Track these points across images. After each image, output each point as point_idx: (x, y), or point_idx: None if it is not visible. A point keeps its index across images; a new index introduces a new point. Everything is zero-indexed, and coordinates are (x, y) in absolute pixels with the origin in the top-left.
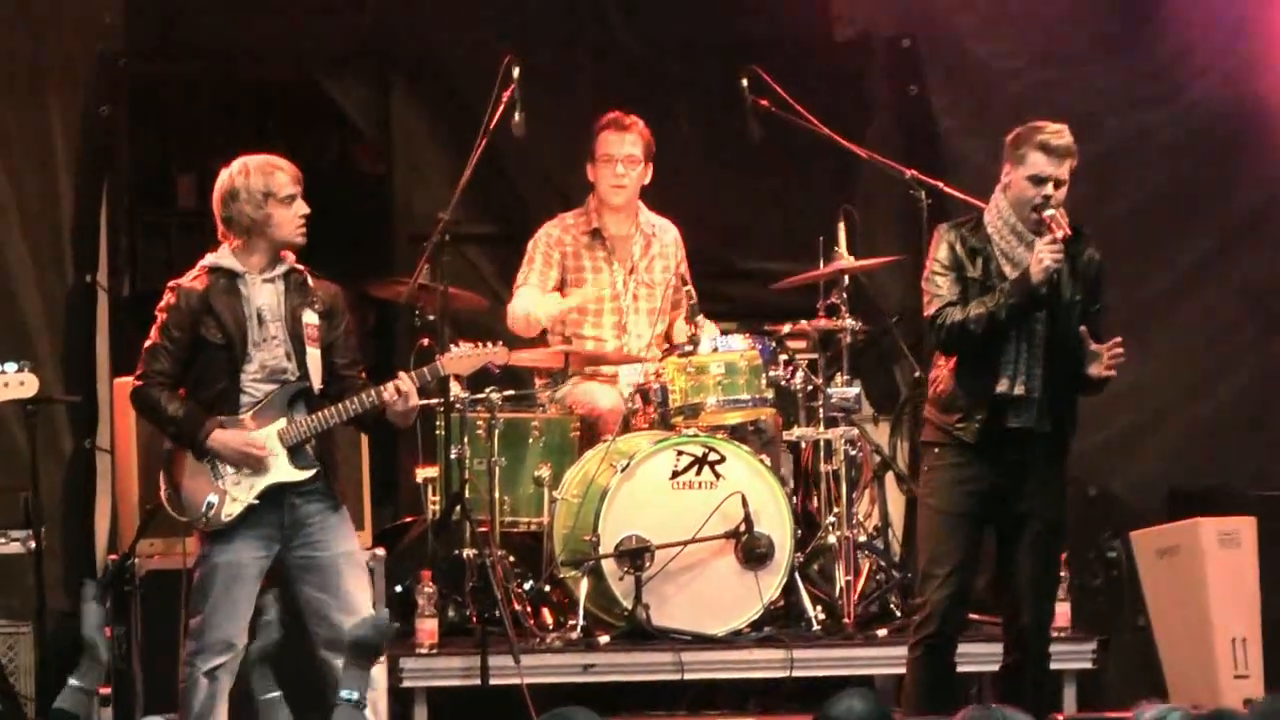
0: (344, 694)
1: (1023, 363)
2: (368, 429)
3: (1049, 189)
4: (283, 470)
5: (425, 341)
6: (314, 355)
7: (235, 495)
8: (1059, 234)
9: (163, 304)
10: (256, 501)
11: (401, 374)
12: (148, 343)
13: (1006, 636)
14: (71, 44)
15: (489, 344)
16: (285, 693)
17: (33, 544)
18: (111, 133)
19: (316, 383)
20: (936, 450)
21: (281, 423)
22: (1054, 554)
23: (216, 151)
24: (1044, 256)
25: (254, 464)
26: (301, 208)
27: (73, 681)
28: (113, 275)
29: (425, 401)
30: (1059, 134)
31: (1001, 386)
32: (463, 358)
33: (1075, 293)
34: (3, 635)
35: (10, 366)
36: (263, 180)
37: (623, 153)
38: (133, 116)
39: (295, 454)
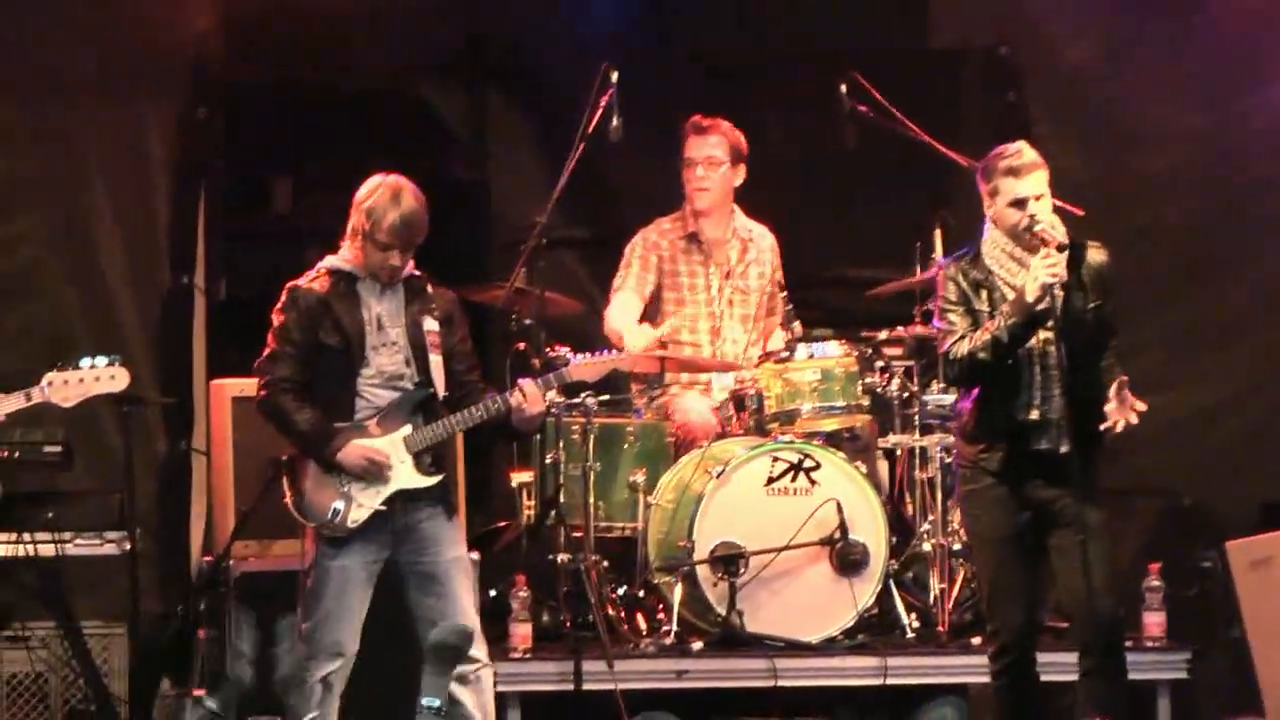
0: (425, 701)
1: (1038, 387)
2: (490, 435)
3: (1031, 207)
4: (408, 477)
5: (521, 346)
6: (436, 361)
7: (361, 501)
8: (1053, 244)
9: (279, 306)
10: (383, 508)
11: (525, 381)
12: (266, 350)
13: (1080, 645)
14: (168, 48)
15: (612, 351)
16: (384, 695)
17: (127, 545)
18: (207, 137)
19: (441, 389)
20: (968, 476)
21: (407, 429)
22: (1101, 554)
23: (312, 157)
24: (1039, 274)
25: (377, 473)
26: (393, 259)
27: (209, 704)
28: (208, 279)
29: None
30: (1018, 154)
31: (1019, 414)
32: (589, 364)
33: (1086, 302)
34: (97, 637)
35: (101, 360)
36: (378, 217)
37: (703, 154)
38: (229, 121)
39: (419, 460)
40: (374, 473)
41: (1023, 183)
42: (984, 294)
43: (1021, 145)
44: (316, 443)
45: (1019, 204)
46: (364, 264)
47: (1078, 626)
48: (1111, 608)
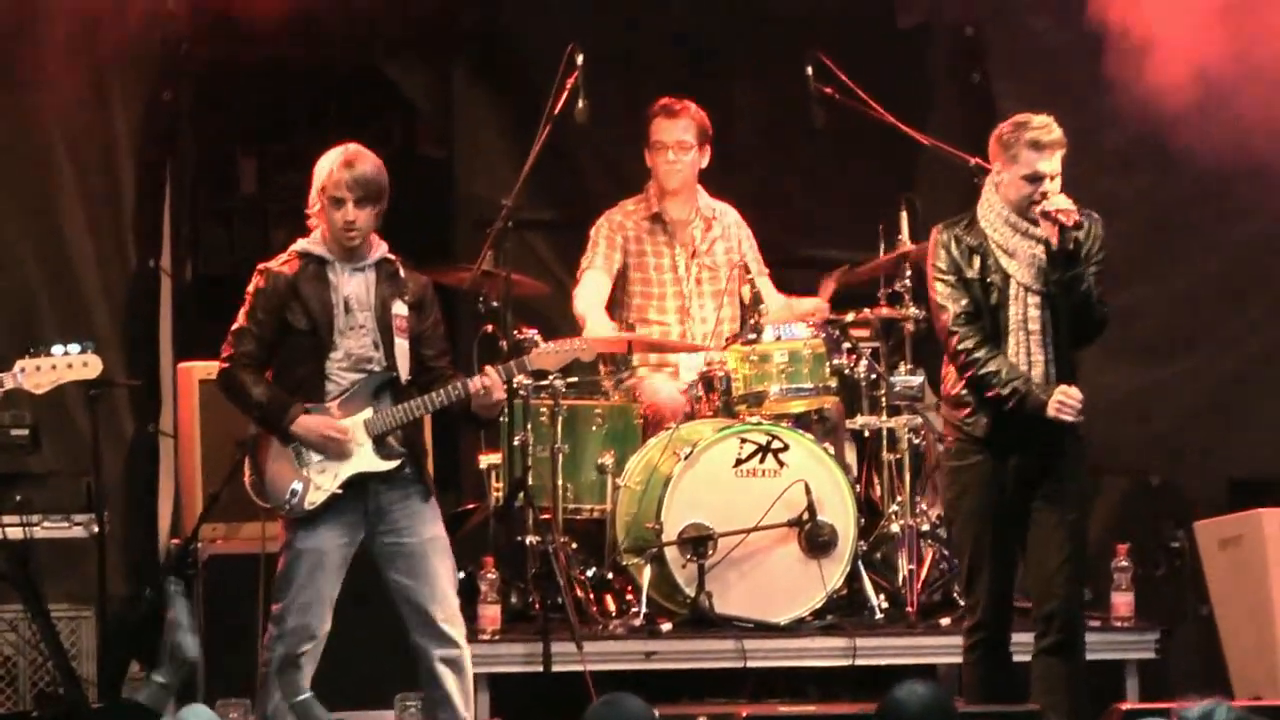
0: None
1: (1023, 351)
2: (454, 420)
3: (1045, 185)
4: (367, 460)
5: (489, 328)
6: (402, 346)
7: (319, 483)
8: (1069, 222)
9: (251, 287)
10: (340, 490)
11: (487, 368)
12: (235, 325)
13: (1038, 624)
14: (134, 29)
15: (574, 339)
16: (357, 678)
17: (95, 528)
18: (173, 118)
19: (404, 373)
20: (955, 449)
21: (368, 412)
22: (1080, 536)
23: (278, 137)
24: (1064, 415)
25: (336, 449)
26: (347, 213)
27: (156, 678)
28: (175, 260)
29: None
30: (1047, 128)
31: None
32: (550, 353)
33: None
34: (65, 619)
35: (74, 347)
36: (328, 171)
37: (673, 138)
38: (195, 102)
39: (380, 444)
40: (332, 447)
41: (1044, 158)
42: (976, 260)
43: (1050, 120)
44: (273, 414)
45: (1034, 179)
46: (330, 238)
47: (1039, 604)
48: (1080, 594)
